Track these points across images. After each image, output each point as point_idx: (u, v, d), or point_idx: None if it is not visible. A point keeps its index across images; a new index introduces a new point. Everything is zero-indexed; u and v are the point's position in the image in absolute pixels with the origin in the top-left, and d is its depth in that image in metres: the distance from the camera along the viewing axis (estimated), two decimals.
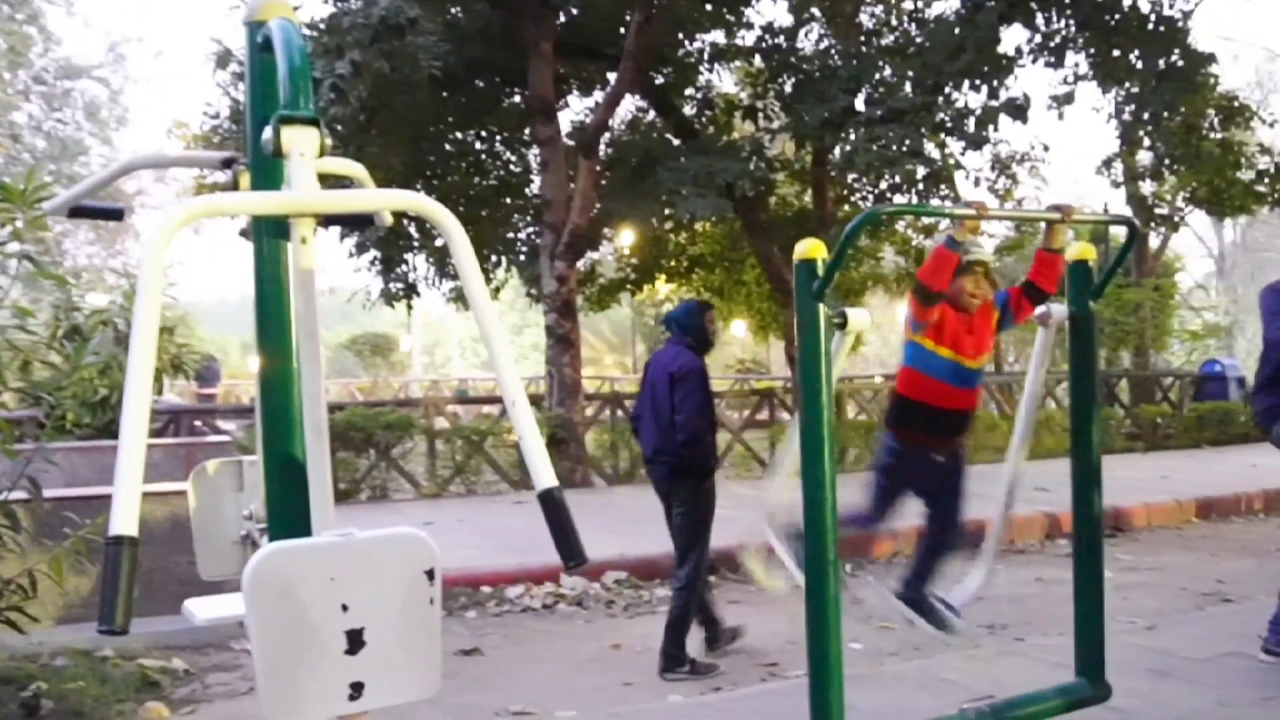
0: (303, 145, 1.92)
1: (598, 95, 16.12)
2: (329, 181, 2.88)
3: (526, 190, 16.77)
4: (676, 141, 15.58)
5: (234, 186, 2.61)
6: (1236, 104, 16.91)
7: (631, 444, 13.98)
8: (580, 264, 15.84)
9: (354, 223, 9.41)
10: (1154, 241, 21.91)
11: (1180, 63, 14.85)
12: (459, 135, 16.21)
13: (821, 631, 2.95)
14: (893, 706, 4.23)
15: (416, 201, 2.11)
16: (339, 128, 11.74)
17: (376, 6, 11.23)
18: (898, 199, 14.26)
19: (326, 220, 2.23)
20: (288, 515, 2.20)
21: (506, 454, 13.15)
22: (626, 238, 17.92)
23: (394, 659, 1.95)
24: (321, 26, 11.85)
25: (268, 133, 1.93)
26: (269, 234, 2.29)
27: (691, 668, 5.66)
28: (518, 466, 12.93)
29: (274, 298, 2.28)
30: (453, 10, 14.05)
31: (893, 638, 5.90)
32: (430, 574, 2.01)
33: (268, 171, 2.26)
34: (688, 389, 5.77)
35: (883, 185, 14.79)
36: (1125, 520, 9.92)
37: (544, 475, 2.09)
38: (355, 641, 1.91)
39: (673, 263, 18.71)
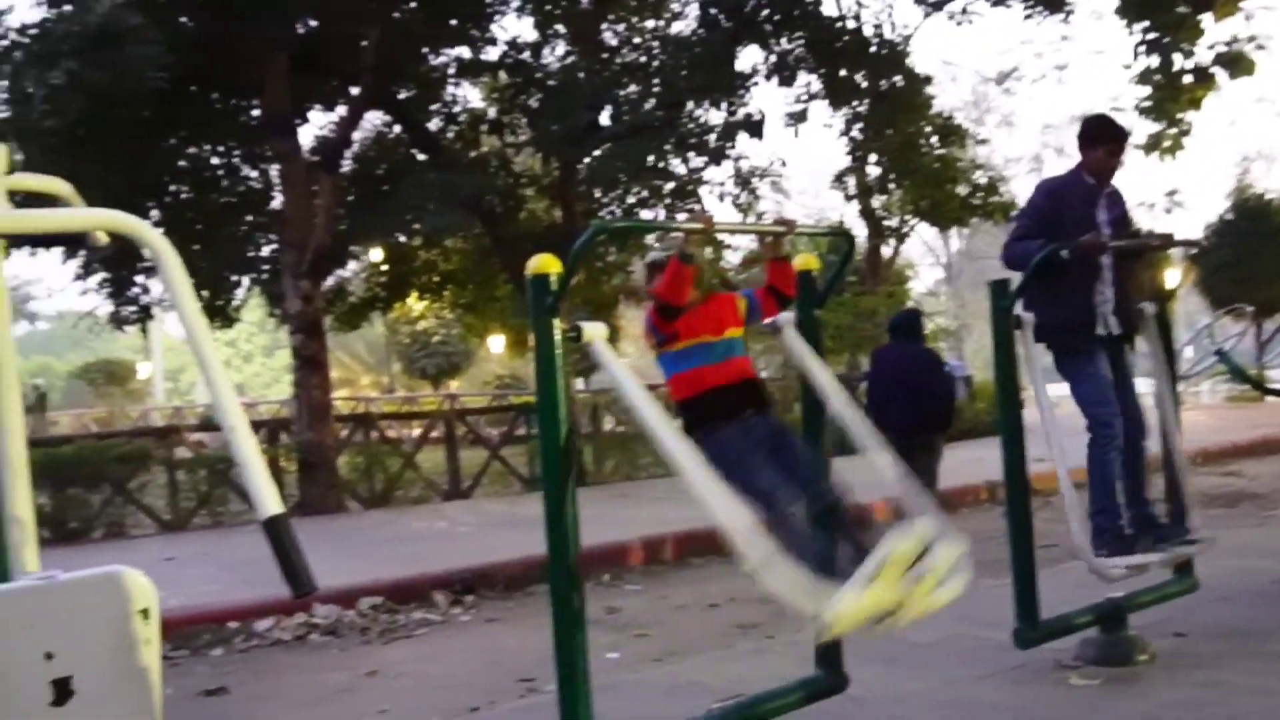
0: None
1: (341, 110, 15.72)
2: (36, 200, 2.70)
3: (268, 207, 16.16)
4: (422, 156, 15.38)
5: None
6: (951, 123, 18.21)
7: (386, 465, 13.72)
8: (328, 282, 15.41)
9: (58, 243, 8.65)
10: (886, 251, 23.18)
11: (900, 83, 15.86)
12: (192, 150, 15.45)
13: (568, 643, 2.96)
14: (643, 713, 4.30)
15: (120, 220, 2.00)
16: (54, 141, 10.96)
17: (93, 14, 10.55)
18: (645, 213, 14.56)
19: (23, 241, 2.09)
20: None
21: None
22: (375, 255, 17.53)
23: (107, 706, 1.83)
24: (33, 33, 11.07)
25: None
26: None
27: None
28: None
29: None
30: (181, 19, 13.36)
31: (651, 645, 5.99)
32: (145, 613, 1.91)
33: None
34: (941, 369, 8.53)
35: (630, 199, 15.07)
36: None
37: (267, 502, 2.02)
38: (63, 692, 1.79)
39: (423, 279, 18.42)
